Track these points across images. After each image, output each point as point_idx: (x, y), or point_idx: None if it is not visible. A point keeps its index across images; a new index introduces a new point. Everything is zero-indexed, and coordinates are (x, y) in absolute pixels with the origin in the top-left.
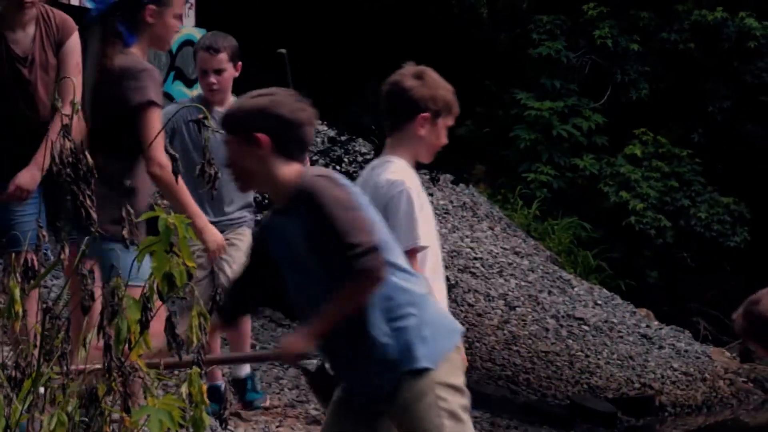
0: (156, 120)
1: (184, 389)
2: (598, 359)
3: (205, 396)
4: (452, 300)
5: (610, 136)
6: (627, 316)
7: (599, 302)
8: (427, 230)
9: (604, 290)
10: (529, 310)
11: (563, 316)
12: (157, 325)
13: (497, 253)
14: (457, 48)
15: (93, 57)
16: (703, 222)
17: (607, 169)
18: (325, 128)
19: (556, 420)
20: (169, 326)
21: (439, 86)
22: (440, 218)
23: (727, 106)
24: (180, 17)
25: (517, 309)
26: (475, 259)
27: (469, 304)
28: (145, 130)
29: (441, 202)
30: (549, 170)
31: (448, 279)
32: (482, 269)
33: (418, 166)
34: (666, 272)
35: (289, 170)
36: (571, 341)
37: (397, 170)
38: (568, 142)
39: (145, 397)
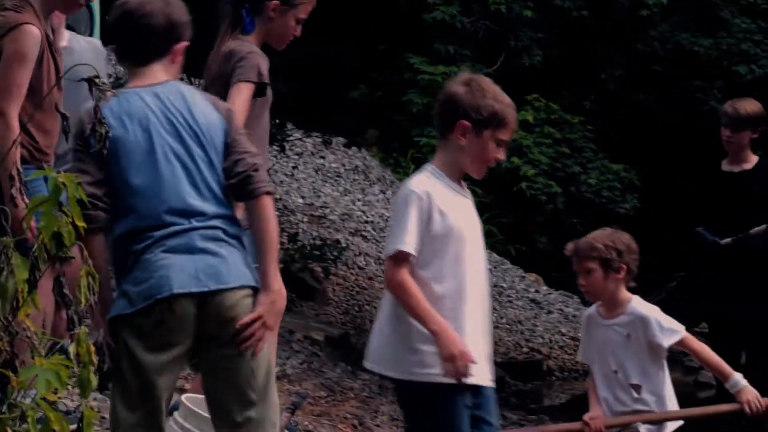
0: (245, 99)
1: (72, 349)
2: None
3: (93, 356)
4: (343, 263)
5: None
6: (516, 280)
7: (489, 267)
8: (435, 244)
9: (494, 255)
10: None
11: None
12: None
13: (389, 217)
14: (352, 11)
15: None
16: (594, 188)
17: None
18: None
19: None
20: (57, 286)
21: (487, 95)
22: (332, 181)
23: (619, 74)
24: (302, 22)
25: None
26: (367, 222)
27: (360, 267)
28: (233, 100)
29: (333, 165)
30: None
31: (338, 242)
32: (373, 232)
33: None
34: (556, 238)
35: None
36: None
37: (418, 177)
38: None
39: (33, 357)
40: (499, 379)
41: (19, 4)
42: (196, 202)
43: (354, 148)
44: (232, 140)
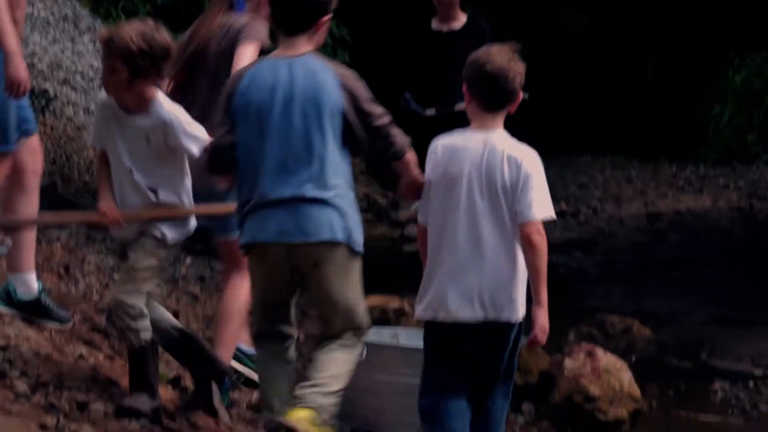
0: (253, 54)
1: None
2: None
3: None
4: (51, 113)
5: None
6: None
7: None
8: None
9: None
10: None
11: None
12: None
13: (98, 67)
14: None
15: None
16: None
17: None
18: None
19: None
20: None
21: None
22: (41, 30)
23: None
24: None
25: None
26: (76, 72)
27: (68, 118)
28: (238, 60)
29: (42, 14)
30: None
31: (47, 92)
32: (82, 83)
33: None
34: None
35: None
36: None
37: (519, 144)
38: None
39: None
40: (207, 231)
41: None
42: (291, 175)
43: None
44: (352, 117)
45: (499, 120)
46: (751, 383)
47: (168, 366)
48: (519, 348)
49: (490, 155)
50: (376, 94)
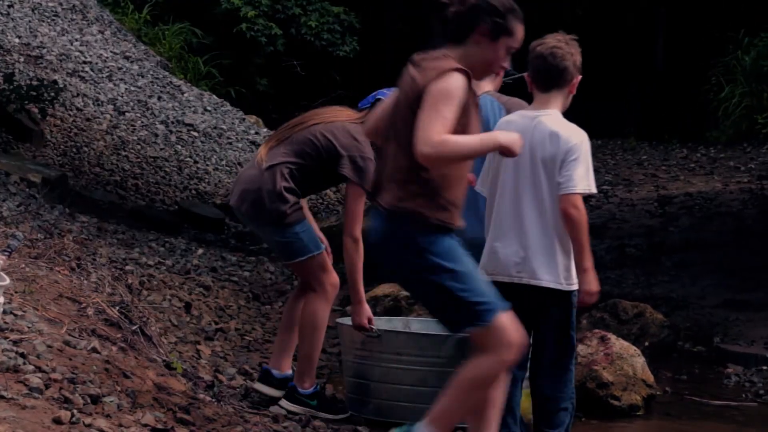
0: None
1: None
2: (207, 165)
3: None
4: (61, 104)
5: None
6: (236, 122)
7: (209, 108)
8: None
9: (214, 96)
10: (139, 115)
11: (173, 122)
12: None
13: (107, 57)
14: None
15: None
16: (314, 31)
17: None
18: None
19: (165, 225)
20: None
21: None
22: (49, 21)
23: None
24: None
25: (127, 114)
26: (85, 63)
27: (78, 108)
28: None
29: (50, 5)
30: None
31: (56, 83)
32: (92, 73)
33: None
34: (276, 80)
35: None
36: (180, 147)
37: (569, 123)
38: None
39: None
40: (218, 221)
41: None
42: None
43: None
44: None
45: (555, 100)
46: (764, 367)
47: (181, 357)
48: (571, 325)
49: (536, 131)
50: (378, 81)
